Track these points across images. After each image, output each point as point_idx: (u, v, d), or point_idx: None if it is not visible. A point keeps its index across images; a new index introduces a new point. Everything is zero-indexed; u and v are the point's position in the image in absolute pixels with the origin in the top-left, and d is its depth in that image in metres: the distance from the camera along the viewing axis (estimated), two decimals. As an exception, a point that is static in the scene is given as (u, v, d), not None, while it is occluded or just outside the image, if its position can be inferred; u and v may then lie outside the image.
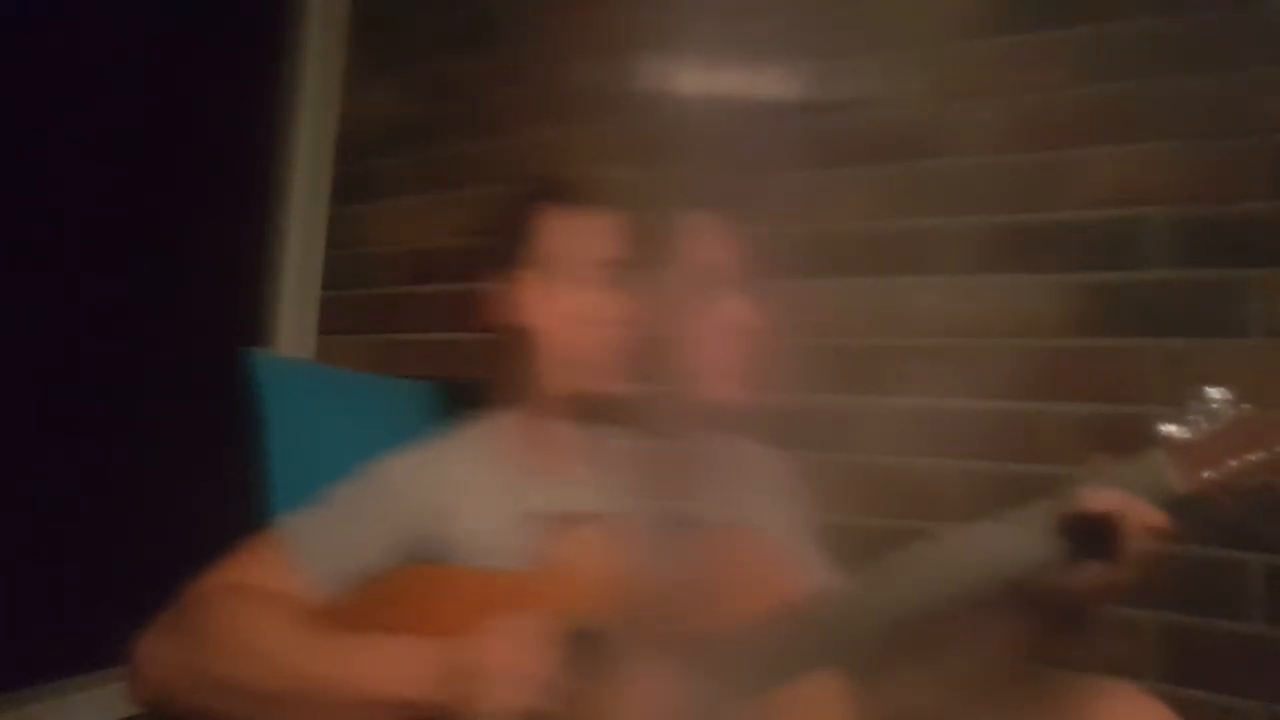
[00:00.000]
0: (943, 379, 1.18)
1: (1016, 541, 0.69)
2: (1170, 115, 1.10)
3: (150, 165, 1.49)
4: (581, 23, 1.49)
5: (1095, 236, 1.13)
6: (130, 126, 1.46)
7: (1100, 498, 0.66)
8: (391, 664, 0.67)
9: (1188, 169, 1.09)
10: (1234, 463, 0.67)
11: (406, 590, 0.77)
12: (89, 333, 1.42)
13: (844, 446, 1.21)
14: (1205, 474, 0.67)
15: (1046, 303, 1.14)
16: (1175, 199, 1.09)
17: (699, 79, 1.28)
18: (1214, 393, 0.71)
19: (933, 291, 1.21)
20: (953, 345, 1.19)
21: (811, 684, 0.68)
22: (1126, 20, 1.13)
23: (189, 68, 1.52)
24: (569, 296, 0.86)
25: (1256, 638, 1.00)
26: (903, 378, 1.20)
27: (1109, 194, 1.12)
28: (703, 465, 0.89)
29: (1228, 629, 1.02)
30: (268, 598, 0.73)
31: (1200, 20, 1.09)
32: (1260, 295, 1.04)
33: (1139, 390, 1.08)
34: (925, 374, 1.19)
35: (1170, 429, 0.70)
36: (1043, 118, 1.17)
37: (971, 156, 1.20)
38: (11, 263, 1.29)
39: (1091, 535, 0.66)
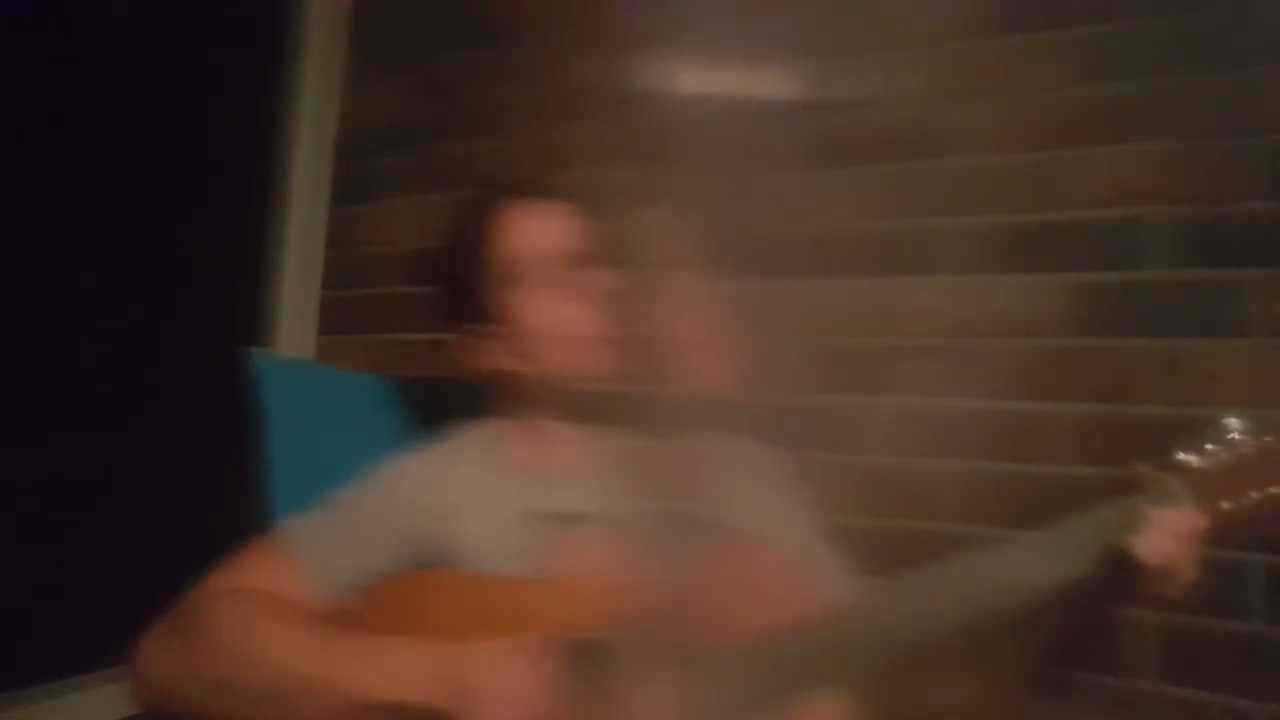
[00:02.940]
0: (943, 379, 1.18)
1: (1049, 564, 0.68)
2: (1170, 115, 1.10)
3: (150, 165, 1.49)
4: (581, 23, 1.49)
5: (1095, 236, 1.13)
6: (130, 126, 1.46)
7: (1143, 544, 0.65)
8: (389, 666, 0.68)
9: (1188, 169, 1.08)
10: (1254, 495, 0.66)
11: (409, 597, 0.77)
12: (89, 332, 1.41)
13: (844, 446, 1.21)
14: (1224, 505, 0.66)
15: (1046, 303, 1.14)
16: (1175, 199, 1.09)
17: (699, 79, 1.28)
18: (1233, 422, 0.69)
19: (933, 291, 1.21)
20: (953, 345, 1.19)
21: (816, 700, 0.68)
22: (1126, 20, 1.13)
23: (189, 67, 1.52)
24: (539, 300, 0.85)
25: (1256, 638, 1.00)
26: (903, 378, 1.20)
27: (1109, 194, 1.12)
28: (704, 465, 0.89)
29: (1228, 629, 1.02)
30: (269, 601, 0.73)
31: (1200, 20, 1.09)
32: (1260, 295, 1.03)
33: (1139, 390, 1.08)
34: (925, 374, 1.19)
35: (1188, 458, 0.69)
36: (1043, 118, 1.17)
37: (971, 156, 1.20)
38: (11, 262, 1.29)
39: (1130, 572, 0.65)
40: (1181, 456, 0.69)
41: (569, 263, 0.86)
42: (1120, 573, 0.66)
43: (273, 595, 0.74)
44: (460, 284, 0.88)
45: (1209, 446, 0.69)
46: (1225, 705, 1.01)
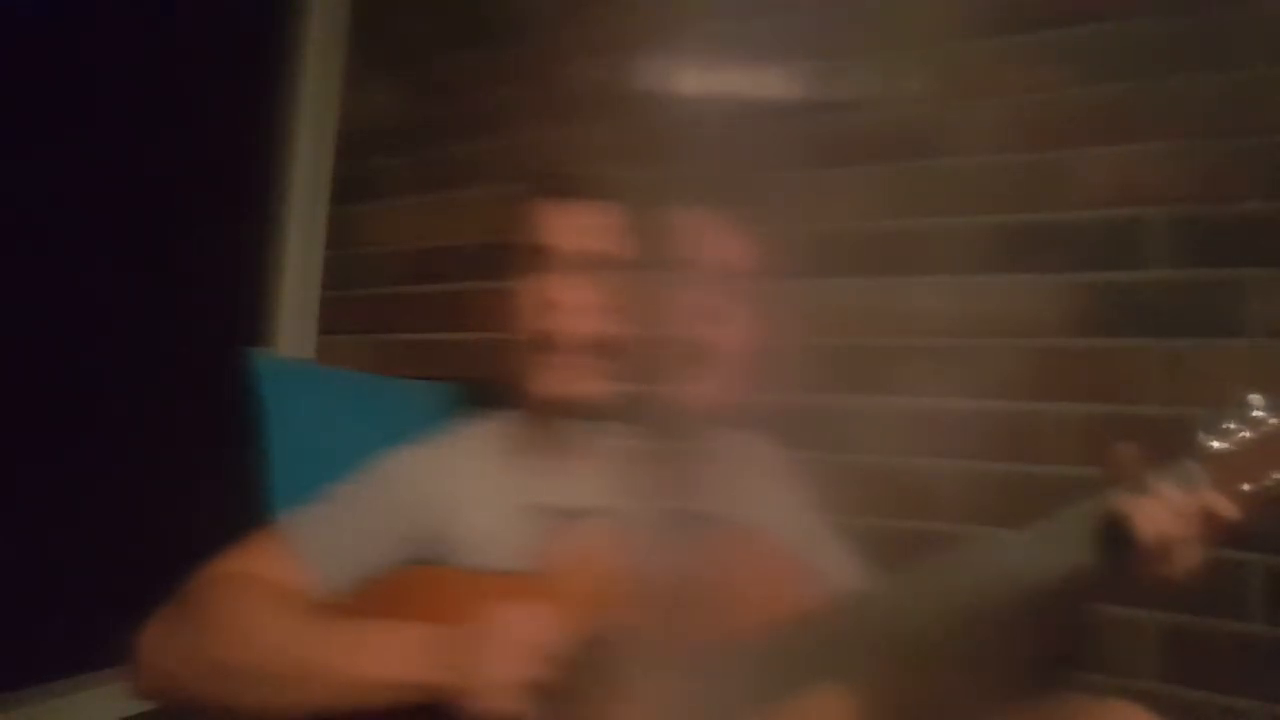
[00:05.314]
0: (943, 379, 1.18)
1: (1048, 550, 0.67)
2: (1170, 115, 1.10)
3: (150, 165, 1.49)
4: (581, 23, 1.49)
5: (1095, 236, 1.13)
6: (130, 126, 1.46)
7: (1138, 507, 0.63)
8: (391, 646, 0.68)
9: (1188, 169, 1.08)
10: (1277, 475, 0.64)
11: (409, 591, 0.77)
12: (89, 332, 1.42)
13: (844, 446, 1.21)
14: (1244, 486, 0.64)
15: (1046, 303, 1.14)
16: (1175, 199, 1.09)
17: (699, 79, 1.28)
18: (1257, 400, 0.66)
19: (933, 291, 1.21)
20: (953, 345, 1.19)
21: (817, 695, 0.68)
22: (1126, 20, 1.13)
23: (189, 67, 1.52)
24: (565, 294, 0.84)
25: (1256, 638, 1.00)
26: (903, 378, 1.20)
27: (1109, 194, 1.12)
28: (708, 462, 0.89)
29: (1228, 629, 1.02)
30: (269, 586, 0.73)
31: (1200, 20, 1.09)
32: (1260, 295, 1.03)
33: (1139, 390, 1.08)
34: (925, 374, 1.19)
35: (1207, 438, 0.66)
36: (1043, 118, 1.17)
37: (971, 156, 1.20)
38: (11, 262, 1.29)
39: (1125, 543, 0.64)
40: (1201, 436, 0.67)
41: (602, 263, 0.86)
42: (1118, 548, 0.65)
43: (274, 583, 0.74)
44: (501, 285, 0.89)
45: (1230, 426, 0.66)
46: (1225, 705, 1.01)
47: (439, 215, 1.65)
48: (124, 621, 0.72)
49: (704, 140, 1.16)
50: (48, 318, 1.36)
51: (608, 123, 1.43)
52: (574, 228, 0.86)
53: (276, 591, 0.73)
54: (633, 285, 0.86)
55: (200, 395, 1.41)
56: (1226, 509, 0.64)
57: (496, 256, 0.92)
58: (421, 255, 1.66)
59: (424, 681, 0.66)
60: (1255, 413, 0.66)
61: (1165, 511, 0.63)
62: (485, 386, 0.94)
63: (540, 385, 0.85)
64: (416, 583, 0.78)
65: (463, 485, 0.83)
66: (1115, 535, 0.65)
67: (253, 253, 1.71)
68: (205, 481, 1.29)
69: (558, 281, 0.84)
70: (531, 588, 0.74)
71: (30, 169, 1.33)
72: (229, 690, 0.68)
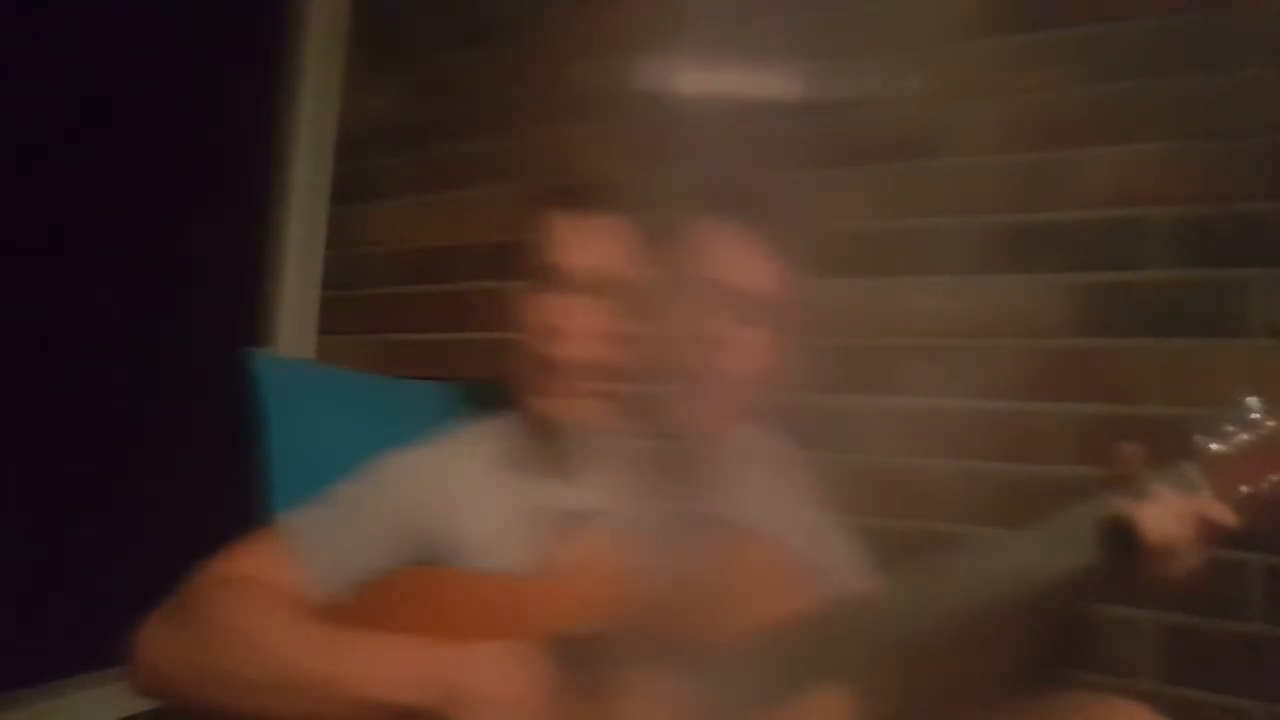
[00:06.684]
0: (943, 379, 1.18)
1: (1050, 551, 0.67)
2: (1170, 115, 1.10)
3: (150, 165, 1.49)
4: (581, 23, 1.49)
5: (1095, 236, 1.13)
6: (130, 126, 1.47)
7: (1142, 510, 0.64)
8: (383, 665, 0.68)
9: (1188, 169, 1.08)
10: (1275, 478, 0.64)
11: (410, 592, 0.77)
12: (89, 333, 1.42)
13: (844, 446, 1.21)
14: (1242, 489, 0.65)
15: (1046, 303, 1.14)
16: (1175, 199, 1.09)
17: (699, 79, 1.28)
18: (1253, 403, 0.67)
19: (933, 291, 1.21)
20: (953, 345, 1.19)
21: (819, 695, 0.68)
22: (1126, 20, 1.13)
23: (189, 67, 1.52)
24: (572, 319, 0.82)
25: (1256, 638, 1.00)
26: (903, 378, 1.20)
27: (1109, 194, 1.12)
28: (711, 464, 0.89)
29: (1228, 629, 1.02)
30: (267, 590, 0.73)
31: (1200, 20, 1.09)
32: (1260, 295, 1.03)
33: (1139, 390, 1.08)
34: (925, 374, 1.19)
35: (1205, 441, 0.67)
36: (1043, 118, 1.17)
37: (971, 156, 1.20)
38: (12, 263, 1.29)
39: (1130, 545, 0.64)
40: (1199, 440, 0.67)
41: (608, 278, 0.83)
42: (1123, 550, 0.65)
43: (272, 586, 0.74)
44: (511, 287, 0.87)
45: (1228, 428, 0.67)
46: (1225, 705, 1.01)
47: (439, 215, 1.65)
48: (124, 621, 0.73)
49: (704, 141, 1.16)
50: (48, 318, 1.36)
51: (608, 123, 1.44)
52: (584, 244, 0.84)
53: (273, 595, 0.72)
54: (641, 305, 0.85)
55: (200, 396, 1.41)
56: (1225, 512, 0.64)
57: (497, 256, 0.91)
58: (421, 255, 1.66)
59: (412, 706, 0.66)
60: (1252, 415, 0.67)
61: (1168, 514, 0.64)
62: (486, 387, 0.94)
63: (542, 407, 0.84)
64: (418, 583, 0.78)
65: (464, 487, 0.83)
66: (1119, 537, 0.65)
67: (253, 253, 1.71)
68: (205, 481, 1.29)
69: (564, 304, 0.82)
70: (534, 592, 0.74)
71: (30, 169, 1.33)
72: (223, 695, 0.69)
